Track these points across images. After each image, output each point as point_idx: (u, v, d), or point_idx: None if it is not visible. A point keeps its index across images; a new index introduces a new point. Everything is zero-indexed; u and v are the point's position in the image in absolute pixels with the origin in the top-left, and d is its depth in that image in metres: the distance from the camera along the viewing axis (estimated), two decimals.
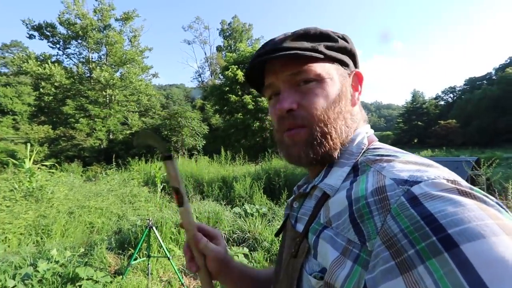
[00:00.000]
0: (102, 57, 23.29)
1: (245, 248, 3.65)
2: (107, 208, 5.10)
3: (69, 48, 22.33)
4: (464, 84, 57.39)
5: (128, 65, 22.88)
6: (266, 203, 5.40)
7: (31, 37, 20.96)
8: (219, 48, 38.85)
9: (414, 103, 55.34)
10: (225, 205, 5.29)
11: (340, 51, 0.51)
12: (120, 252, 3.57)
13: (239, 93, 18.34)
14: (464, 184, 0.33)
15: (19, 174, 5.52)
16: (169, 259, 2.84)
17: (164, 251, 2.89)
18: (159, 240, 2.93)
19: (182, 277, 3.00)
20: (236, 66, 17.92)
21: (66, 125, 20.04)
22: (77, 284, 2.61)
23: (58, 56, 22.31)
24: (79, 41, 21.88)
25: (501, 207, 0.30)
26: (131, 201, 5.90)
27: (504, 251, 0.24)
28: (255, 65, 0.51)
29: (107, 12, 22.26)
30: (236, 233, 4.00)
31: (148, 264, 2.91)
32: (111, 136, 21.37)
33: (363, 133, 0.51)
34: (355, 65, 0.55)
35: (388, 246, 0.31)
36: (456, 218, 0.27)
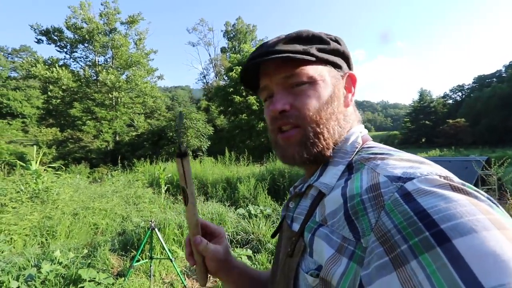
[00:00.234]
0: (108, 60, 23.67)
1: (248, 249, 3.60)
2: (112, 209, 5.12)
3: (76, 51, 22.78)
4: (473, 82, 56.44)
5: (133, 68, 23.21)
6: (271, 204, 5.33)
7: (39, 41, 21.42)
8: (223, 50, 39.04)
9: (422, 102, 54.61)
10: (229, 206, 5.24)
11: (333, 53, 0.52)
12: (123, 253, 3.56)
13: (244, 94, 18.35)
14: (456, 180, 0.33)
15: (25, 176, 5.59)
16: (171, 260, 2.82)
17: (167, 253, 2.87)
18: (161, 242, 2.91)
19: (185, 279, 2.97)
20: (241, 67, 17.94)
21: (74, 127, 20.44)
22: (79, 286, 2.60)
23: (66, 60, 22.78)
24: (86, 44, 22.28)
25: (493, 202, 0.31)
26: (135, 202, 5.91)
27: (495, 245, 0.25)
28: (249, 67, 0.51)
29: (113, 16, 22.65)
30: (240, 235, 3.95)
31: (150, 266, 2.88)
32: (117, 138, 21.67)
33: (357, 132, 0.52)
34: (349, 66, 0.56)
35: (382, 242, 0.31)
36: (448, 214, 0.28)
